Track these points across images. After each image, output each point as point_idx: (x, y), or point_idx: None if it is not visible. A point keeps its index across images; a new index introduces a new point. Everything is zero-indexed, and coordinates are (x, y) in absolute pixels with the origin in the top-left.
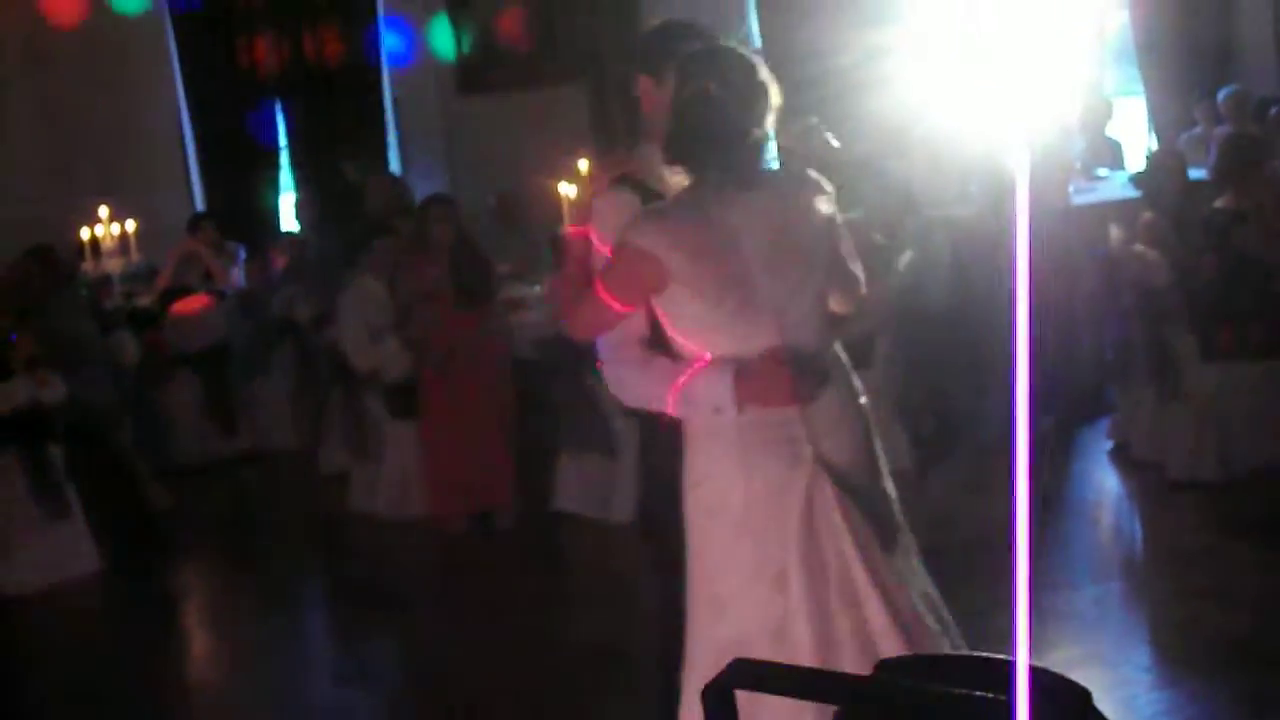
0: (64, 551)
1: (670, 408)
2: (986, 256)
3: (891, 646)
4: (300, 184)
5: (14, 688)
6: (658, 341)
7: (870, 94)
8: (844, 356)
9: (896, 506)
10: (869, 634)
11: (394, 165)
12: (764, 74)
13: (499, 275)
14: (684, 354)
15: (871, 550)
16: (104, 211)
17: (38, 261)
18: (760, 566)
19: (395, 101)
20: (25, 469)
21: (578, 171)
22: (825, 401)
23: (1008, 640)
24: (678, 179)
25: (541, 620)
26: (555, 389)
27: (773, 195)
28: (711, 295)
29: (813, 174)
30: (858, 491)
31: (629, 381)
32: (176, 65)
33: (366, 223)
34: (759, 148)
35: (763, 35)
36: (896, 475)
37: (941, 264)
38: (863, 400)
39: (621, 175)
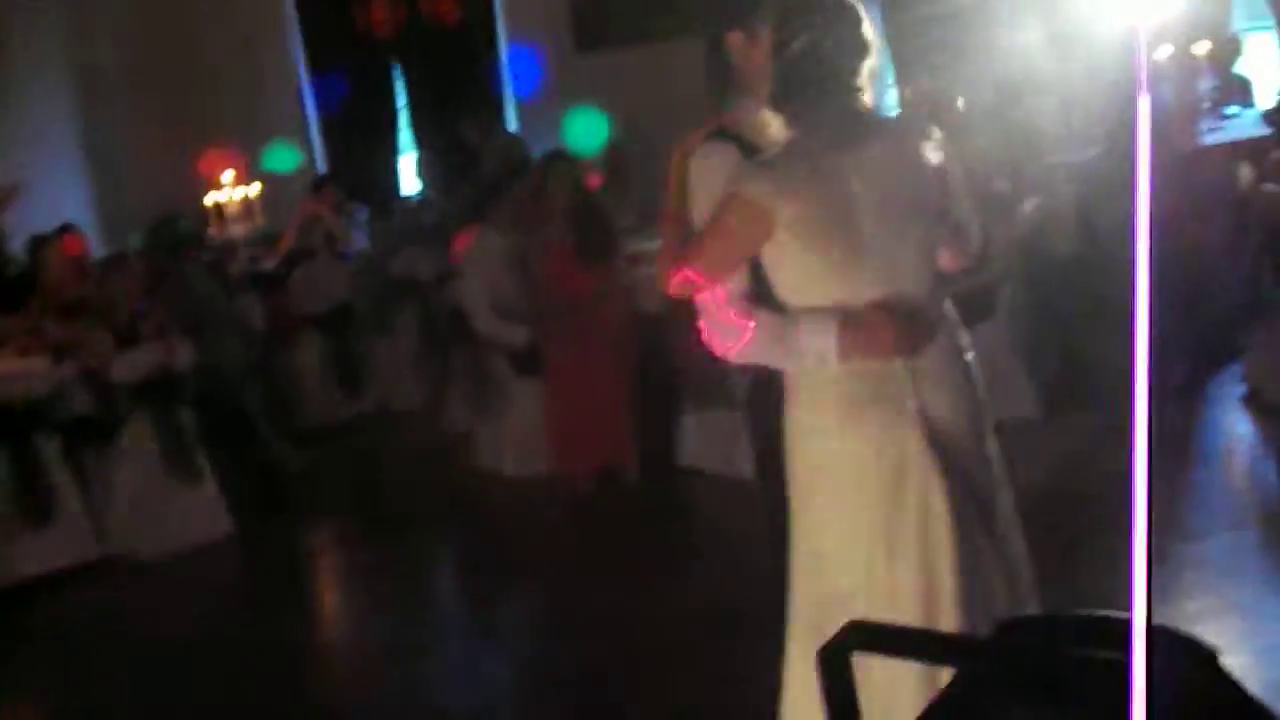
0: (197, 515)
1: (775, 360)
2: (1113, 201)
3: (946, 618)
4: (420, 145)
5: (149, 651)
6: (759, 294)
7: (994, 35)
8: (951, 311)
9: (999, 469)
10: (933, 599)
11: (511, 124)
12: (867, 23)
13: (620, 231)
14: (788, 305)
15: (950, 518)
16: (228, 177)
17: (166, 230)
18: (861, 522)
19: (511, 60)
20: (157, 434)
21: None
22: (930, 356)
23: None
24: (782, 132)
25: (666, 578)
26: (677, 343)
27: (882, 143)
28: (819, 244)
29: (921, 120)
30: (956, 450)
31: (732, 336)
32: (297, 30)
33: (486, 182)
34: (864, 96)
35: None
36: (1022, 425)
37: (1066, 210)
38: (969, 357)
39: (718, 128)
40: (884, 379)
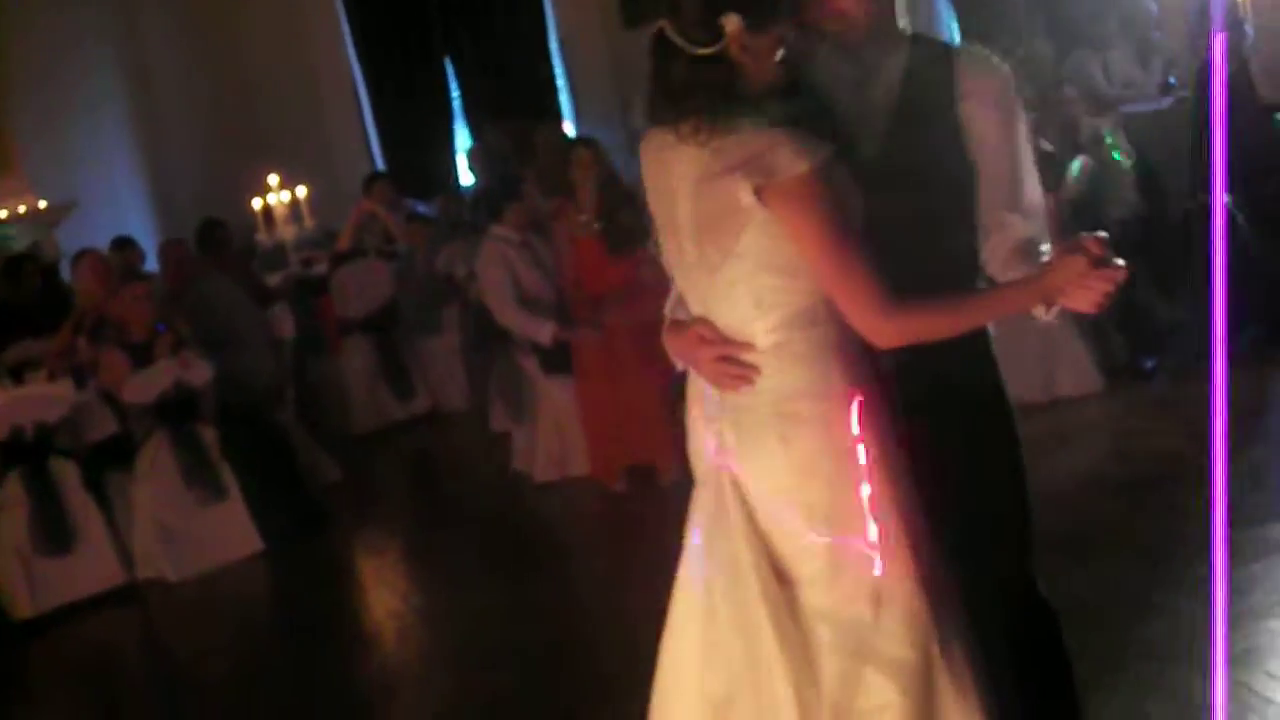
0: (224, 535)
1: None
2: (1183, 157)
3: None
4: (474, 135)
5: (182, 673)
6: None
7: None
8: (822, 370)
9: (847, 585)
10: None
11: (565, 109)
12: None
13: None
14: None
15: (754, 579)
16: (274, 180)
17: (196, 240)
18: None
19: (561, 43)
20: (177, 453)
21: None
22: (744, 398)
23: (1188, 582)
24: None
25: None
26: None
27: (710, 158)
28: (661, 236)
29: (780, 148)
30: (768, 520)
31: None
32: (348, 28)
33: (505, 175)
34: (692, 90)
35: None
36: (1084, 401)
37: (1123, 168)
38: (830, 427)
39: None
40: (703, 399)
